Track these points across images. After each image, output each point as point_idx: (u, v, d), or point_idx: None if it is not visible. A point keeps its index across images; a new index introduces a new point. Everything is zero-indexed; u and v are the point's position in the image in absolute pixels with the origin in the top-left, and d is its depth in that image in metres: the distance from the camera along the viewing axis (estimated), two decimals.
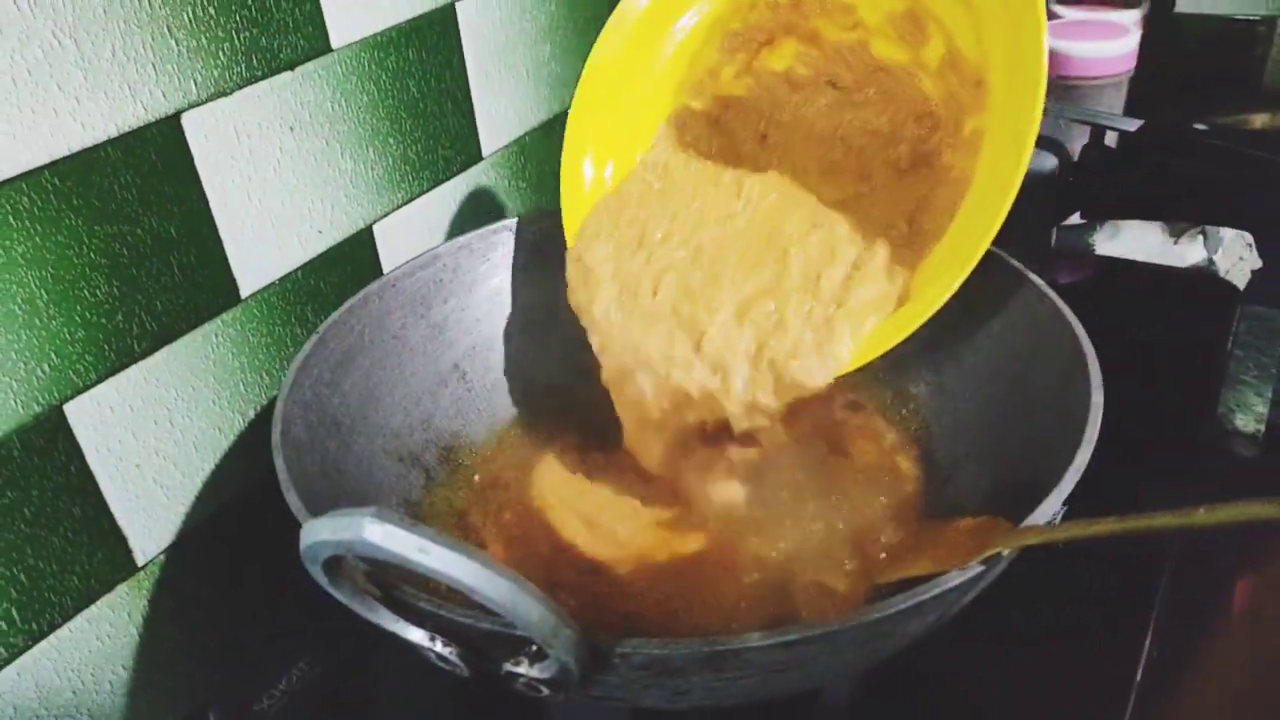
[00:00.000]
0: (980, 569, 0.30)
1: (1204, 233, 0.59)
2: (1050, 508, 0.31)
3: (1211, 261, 0.60)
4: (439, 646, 0.29)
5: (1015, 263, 0.44)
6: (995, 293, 0.45)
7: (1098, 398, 0.35)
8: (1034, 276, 0.43)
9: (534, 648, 0.27)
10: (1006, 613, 0.36)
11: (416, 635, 0.29)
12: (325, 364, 0.42)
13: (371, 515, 0.23)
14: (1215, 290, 0.60)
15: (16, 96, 0.38)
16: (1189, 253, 0.61)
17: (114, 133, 0.42)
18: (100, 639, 0.46)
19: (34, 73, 0.39)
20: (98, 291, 0.43)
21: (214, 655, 0.51)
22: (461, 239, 0.52)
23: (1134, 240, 0.66)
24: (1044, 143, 0.59)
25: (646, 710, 0.33)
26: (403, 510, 0.43)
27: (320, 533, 0.25)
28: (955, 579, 0.29)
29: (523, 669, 0.27)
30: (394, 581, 0.29)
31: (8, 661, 0.42)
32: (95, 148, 0.42)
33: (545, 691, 0.28)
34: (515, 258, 0.52)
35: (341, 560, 0.26)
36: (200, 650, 0.51)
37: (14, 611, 0.42)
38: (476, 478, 0.48)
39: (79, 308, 0.43)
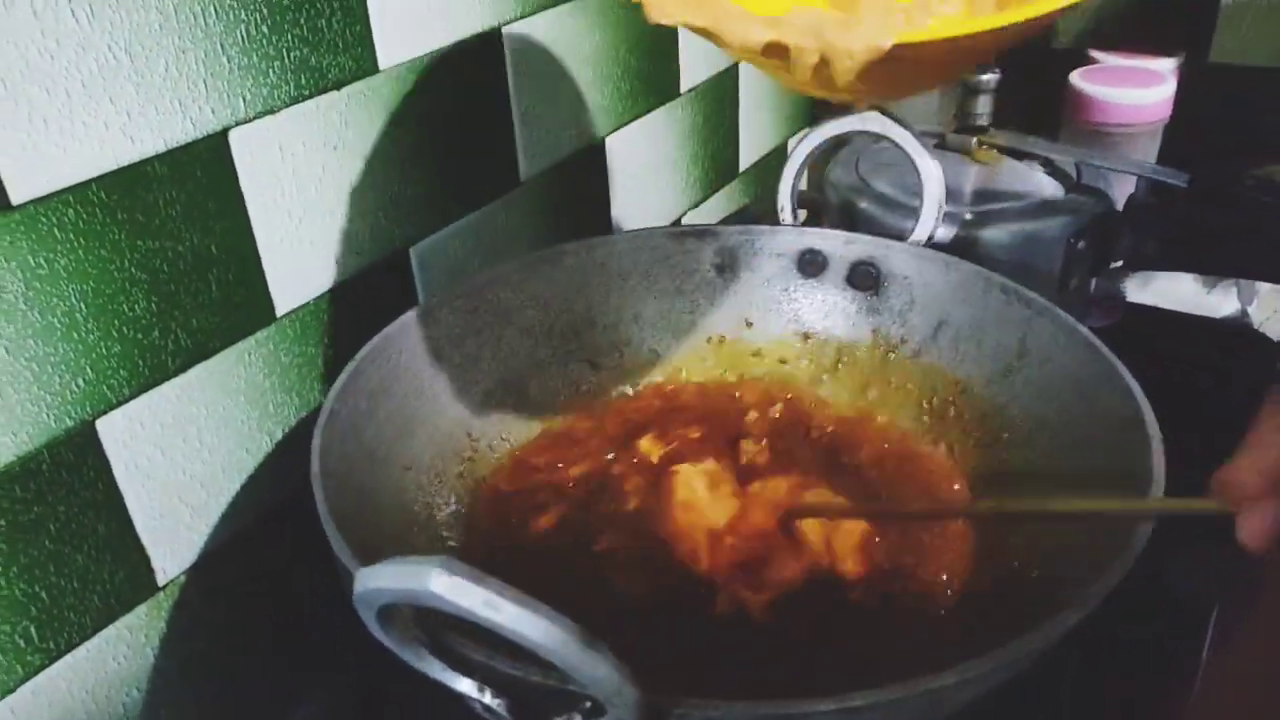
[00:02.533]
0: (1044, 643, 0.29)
1: (1238, 283, 0.59)
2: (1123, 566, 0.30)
3: (1245, 313, 0.60)
4: (487, 698, 0.28)
5: (1066, 316, 0.43)
6: (1046, 348, 0.44)
7: (1159, 463, 0.35)
8: (1086, 331, 0.43)
9: (588, 704, 0.26)
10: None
11: (464, 686, 0.28)
12: (361, 393, 0.42)
13: (439, 566, 0.23)
14: (1250, 342, 0.59)
15: (70, 109, 0.38)
16: (1222, 303, 0.61)
17: (162, 148, 0.42)
18: (117, 660, 0.45)
19: (88, 85, 0.38)
20: (136, 307, 0.42)
21: (230, 681, 0.50)
22: (500, 269, 0.51)
23: (1166, 288, 0.65)
24: (1089, 191, 0.59)
25: None
26: (443, 547, 0.42)
27: (380, 580, 0.24)
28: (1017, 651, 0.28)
29: None
30: (443, 629, 0.28)
31: (24, 680, 0.41)
32: (143, 162, 0.41)
33: None
34: (552, 287, 0.52)
35: (395, 607, 0.25)
36: (216, 675, 0.50)
37: (32, 629, 0.41)
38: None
39: (117, 322, 0.42)
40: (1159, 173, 0.60)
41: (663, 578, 0.42)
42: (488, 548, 0.45)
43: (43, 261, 0.39)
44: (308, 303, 0.50)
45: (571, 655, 0.23)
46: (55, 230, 0.39)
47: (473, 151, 0.58)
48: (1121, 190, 0.64)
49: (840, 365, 0.53)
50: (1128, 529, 0.32)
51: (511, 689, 0.28)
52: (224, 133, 0.44)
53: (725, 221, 0.84)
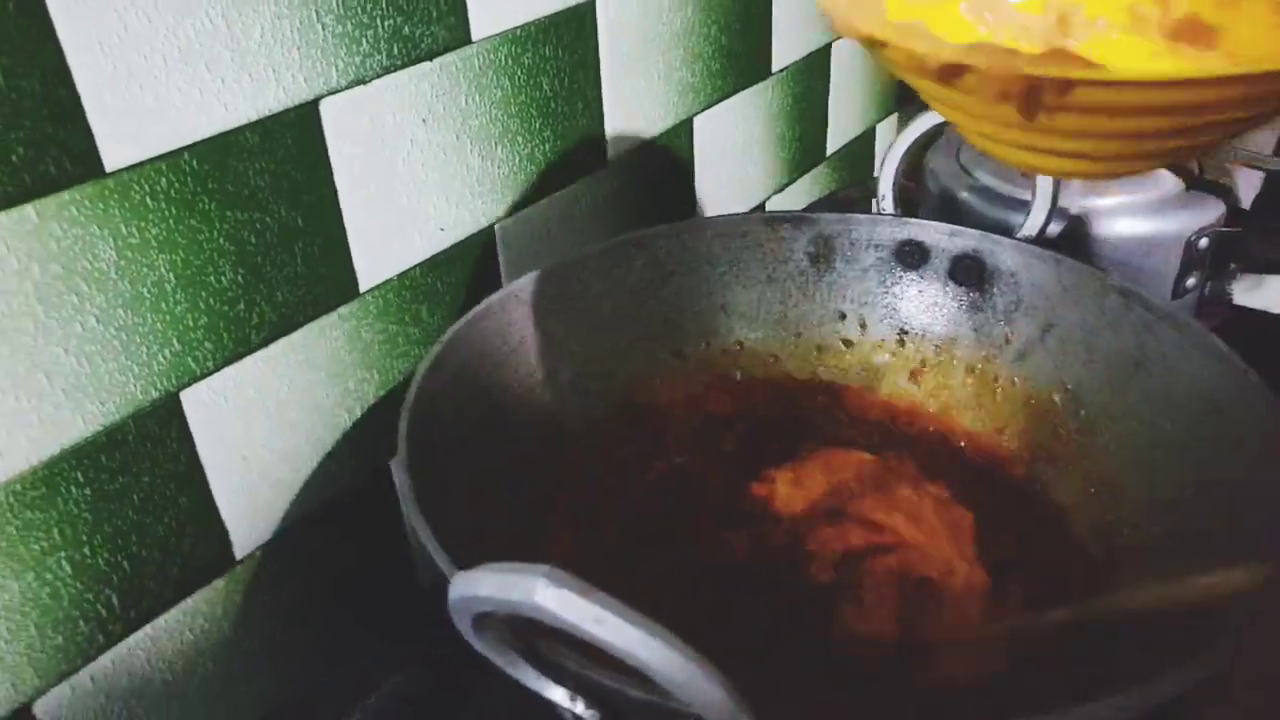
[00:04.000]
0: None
1: None
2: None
3: None
4: (580, 709, 0.27)
5: (1196, 324, 0.40)
6: (1169, 358, 0.41)
7: None
8: (1219, 341, 0.40)
9: None
10: None
11: (557, 694, 0.27)
12: (447, 376, 0.40)
13: (545, 577, 0.21)
14: None
15: (166, 75, 0.37)
16: None
17: (254, 116, 0.41)
18: (194, 632, 0.45)
19: (185, 51, 0.38)
20: (223, 278, 0.42)
21: (305, 657, 0.50)
22: (588, 252, 0.50)
23: (1277, 292, 0.61)
24: (1212, 187, 0.55)
25: None
26: (532, 539, 0.41)
27: (480, 588, 0.22)
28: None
29: None
30: (538, 635, 0.26)
31: (105, 649, 0.41)
32: (235, 130, 0.40)
33: None
34: (640, 272, 0.50)
35: (491, 614, 0.24)
36: (291, 650, 0.49)
37: (115, 599, 0.41)
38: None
39: (204, 294, 0.41)
40: None
41: (764, 590, 0.40)
42: (573, 536, 0.43)
43: (135, 230, 0.38)
44: (391, 278, 0.49)
45: (683, 678, 0.21)
46: (148, 199, 0.38)
47: (561, 129, 0.56)
48: (1247, 188, 0.60)
49: (938, 364, 0.50)
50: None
51: (608, 702, 0.26)
52: (315, 102, 0.43)
53: (813, 208, 0.81)
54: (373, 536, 0.52)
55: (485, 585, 0.22)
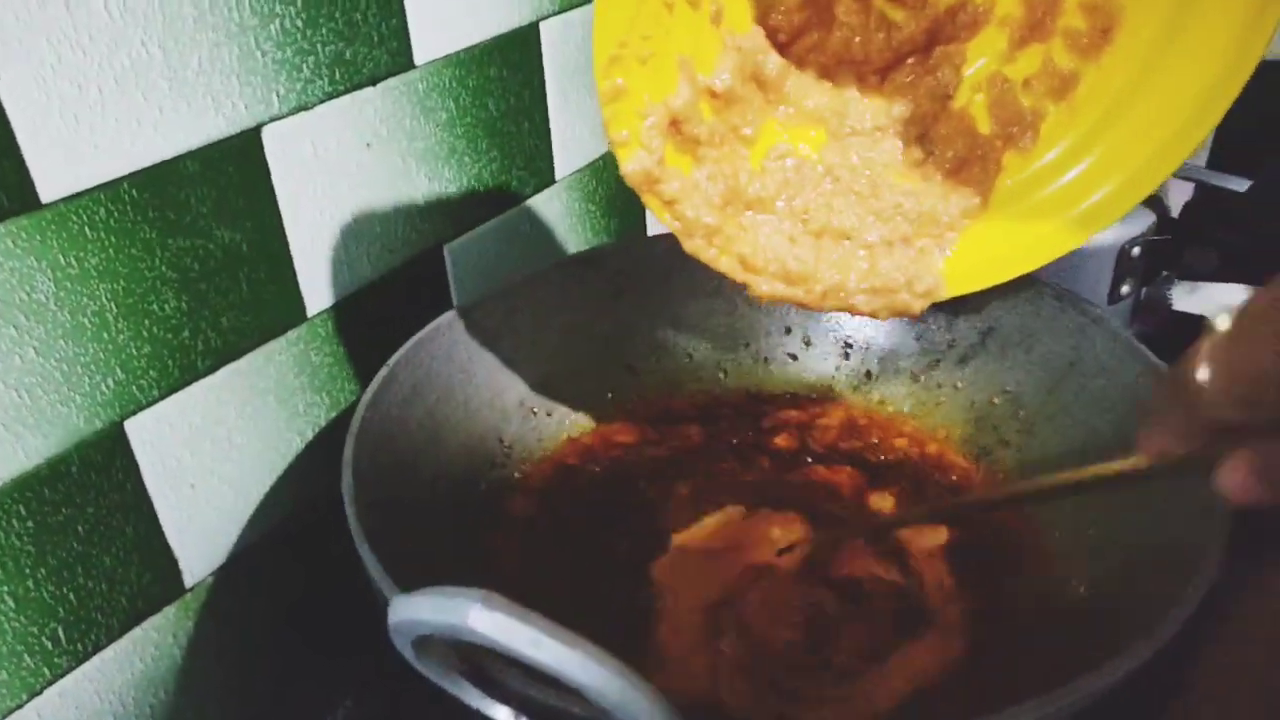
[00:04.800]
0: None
1: None
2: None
3: None
4: None
5: (1122, 329, 0.42)
6: (1100, 359, 0.42)
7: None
8: (1143, 347, 0.41)
9: None
10: None
11: (501, 714, 0.27)
12: (394, 400, 0.41)
13: (480, 602, 0.21)
14: None
15: (102, 105, 0.37)
16: None
17: (195, 145, 0.41)
18: (144, 661, 0.45)
19: (120, 82, 0.37)
20: (166, 306, 0.42)
21: (256, 684, 0.50)
22: (537, 271, 0.50)
23: (1215, 298, 0.63)
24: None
25: None
26: (474, 561, 0.41)
27: (417, 611, 0.23)
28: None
29: None
30: (480, 654, 0.27)
31: (51, 682, 0.41)
32: (175, 159, 0.40)
33: None
34: (590, 289, 0.51)
35: (433, 636, 0.24)
36: (244, 677, 0.49)
37: (60, 631, 0.41)
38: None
39: (147, 322, 0.41)
40: (1215, 177, 0.58)
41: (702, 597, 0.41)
42: (521, 557, 0.43)
43: (73, 260, 0.38)
44: (339, 301, 0.49)
45: (618, 697, 0.22)
46: (86, 229, 0.38)
47: (508, 148, 0.57)
48: (1177, 197, 0.61)
49: (882, 375, 0.52)
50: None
51: (549, 719, 0.27)
52: (257, 129, 0.43)
53: None
54: (325, 560, 0.52)
55: (422, 609, 0.23)
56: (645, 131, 0.38)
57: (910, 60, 0.43)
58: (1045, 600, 0.39)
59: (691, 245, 0.40)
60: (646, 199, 0.39)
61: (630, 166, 0.38)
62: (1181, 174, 0.59)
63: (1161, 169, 0.40)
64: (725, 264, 0.41)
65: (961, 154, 0.43)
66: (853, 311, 0.42)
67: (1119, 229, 0.55)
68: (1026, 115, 0.42)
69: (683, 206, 0.39)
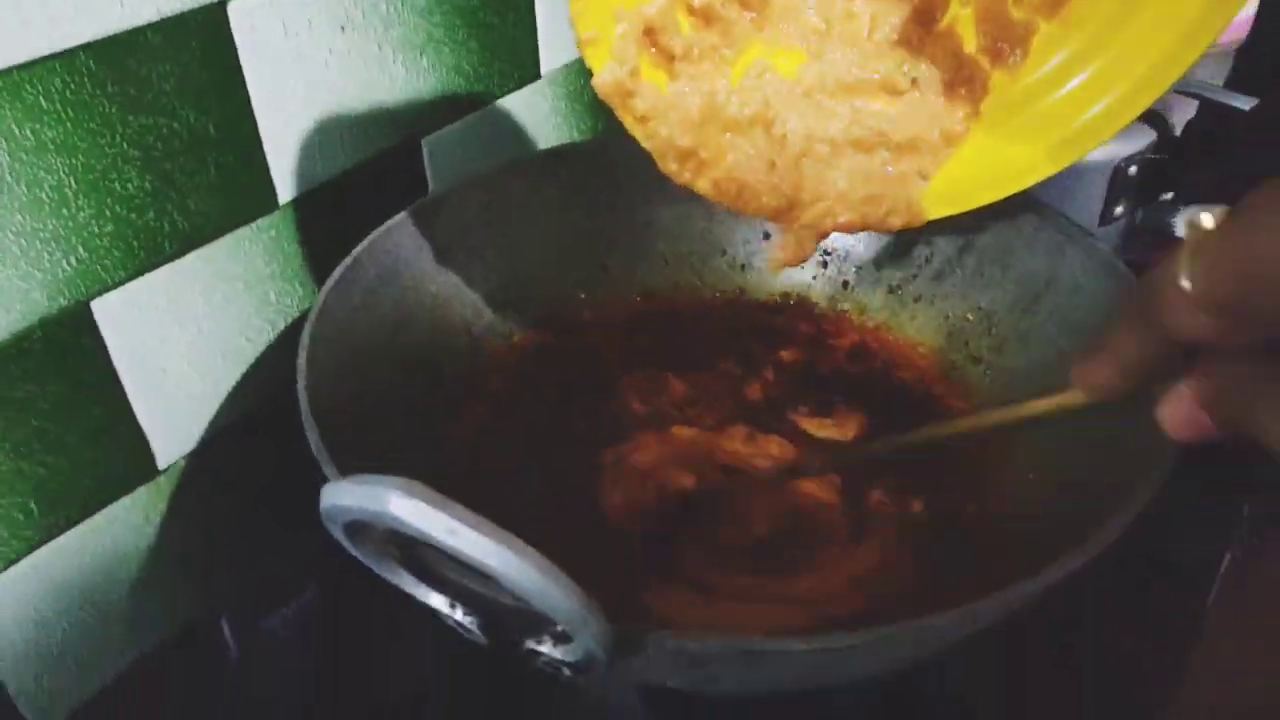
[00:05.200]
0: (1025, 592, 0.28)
1: None
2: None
3: None
4: (459, 615, 0.27)
5: (1102, 245, 0.41)
6: (1076, 277, 0.42)
7: None
8: (1120, 264, 0.40)
9: (559, 629, 0.26)
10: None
11: (436, 601, 0.28)
12: (358, 287, 0.40)
13: (398, 489, 0.22)
14: None
15: None
16: None
17: (154, 17, 0.39)
18: (115, 539, 0.45)
19: None
20: (129, 185, 0.41)
21: (227, 563, 0.51)
22: (509, 162, 0.49)
23: None
24: (1143, 115, 0.55)
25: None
26: (432, 451, 0.42)
27: (343, 498, 0.23)
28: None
29: (545, 648, 0.26)
30: (415, 543, 0.27)
31: (24, 554, 0.42)
32: (135, 30, 0.39)
33: (567, 673, 0.26)
34: (563, 184, 0.49)
35: (368, 524, 0.25)
36: (214, 557, 0.50)
37: (31, 504, 0.42)
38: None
39: (109, 200, 0.40)
40: (1221, 94, 0.56)
41: (654, 500, 0.41)
42: (477, 452, 0.44)
43: (29, 133, 0.37)
44: (313, 190, 0.48)
45: (532, 585, 0.22)
46: (41, 99, 0.37)
47: (490, 39, 0.55)
48: (1180, 115, 0.59)
49: (859, 284, 0.51)
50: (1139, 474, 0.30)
51: (483, 608, 0.27)
52: (222, 3, 0.41)
53: None
54: (299, 443, 0.52)
55: (346, 495, 0.23)
56: (618, 40, 0.36)
57: None
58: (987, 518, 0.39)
59: (665, 167, 0.39)
60: (620, 113, 0.38)
61: (602, 77, 0.36)
62: (1187, 90, 0.57)
63: (1161, 82, 0.38)
64: (701, 186, 0.40)
65: (947, 76, 0.41)
66: (830, 231, 0.41)
67: (1114, 146, 0.53)
68: (1017, 29, 0.40)
69: (656, 124, 0.38)
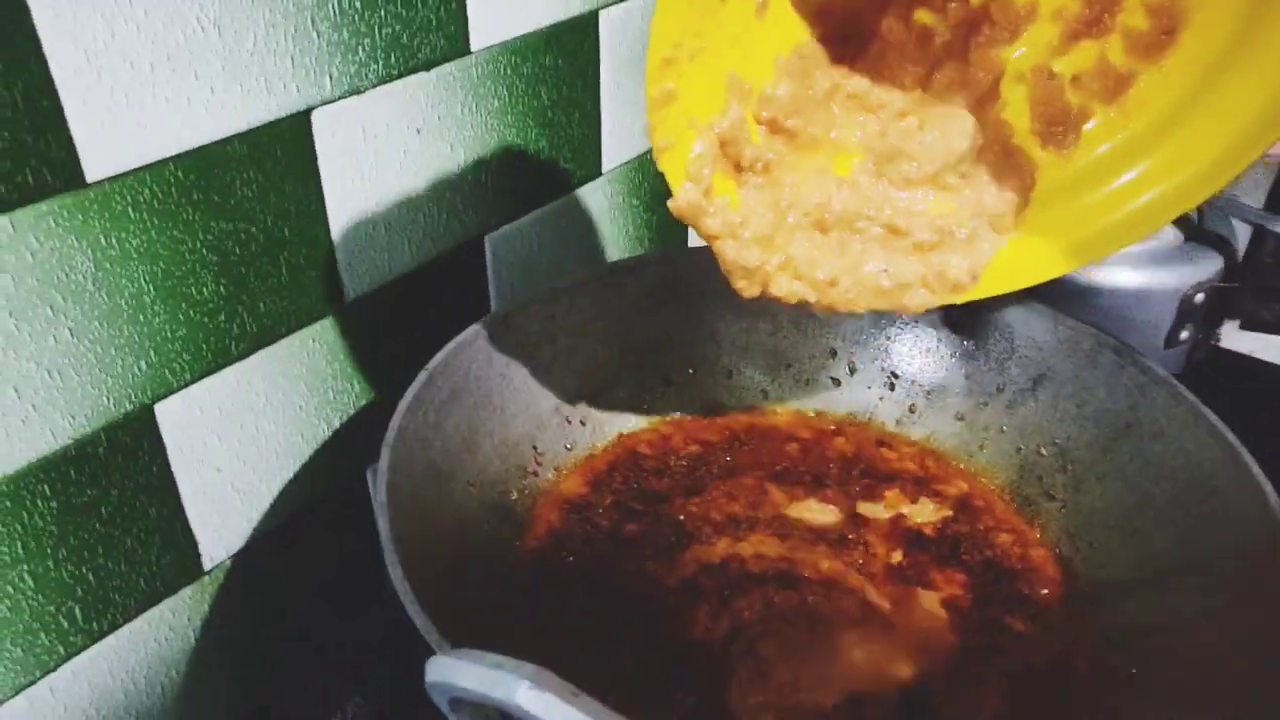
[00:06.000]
0: None
1: None
2: None
3: None
4: None
5: (1188, 393, 0.40)
6: (1159, 421, 0.41)
7: None
8: (1210, 414, 0.39)
9: None
10: None
11: None
12: (431, 405, 0.40)
13: (529, 680, 0.20)
14: None
15: (153, 83, 0.36)
16: None
17: (243, 127, 0.39)
18: (159, 641, 0.44)
19: (173, 59, 0.36)
20: (204, 289, 0.41)
21: (269, 669, 0.49)
22: (578, 277, 0.49)
23: (1266, 337, 0.61)
24: (1211, 239, 0.55)
25: None
26: (503, 569, 0.40)
27: (460, 678, 0.22)
28: None
29: None
30: None
31: (65, 660, 0.41)
32: (223, 141, 0.39)
33: None
34: (630, 298, 0.49)
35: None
36: (255, 662, 0.49)
37: (77, 610, 0.40)
38: None
39: (184, 305, 0.40)
40: (1270, 220, 0.56)
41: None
42: (546, 570, 0.43)
43: (114, 242, 0.37)
44: (378, 288, 0.48)
45: None
46: (129, 210, 0.37)
47: (558, 138, 0.55)
48: (1241, 235, 0.59)
49: (928, 409, 0.50)
50: None
51: None
52: (307, 112, 0.42)
53: None
54: (347, 545, 0.51)
55: (465, 676, 0.22)
56: (694, 161, 0.37)
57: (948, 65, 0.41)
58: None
59: (734, 284, 0.39)
60: (695, 228, 0.38)
61: (678, 199, 0.37)
62: (1240, 216, 0.57)
63: (1216, 181, 0.37)
64: (775, 290, 0.40)
65: (996, 166, 0.41)
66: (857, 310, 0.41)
67: (1183, 273, 0.53)
68: (1071, 113, 0.40)
69: (724, 245, 0.38)
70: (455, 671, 0.22)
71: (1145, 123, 0.39)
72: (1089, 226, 0.40)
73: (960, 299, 0.41)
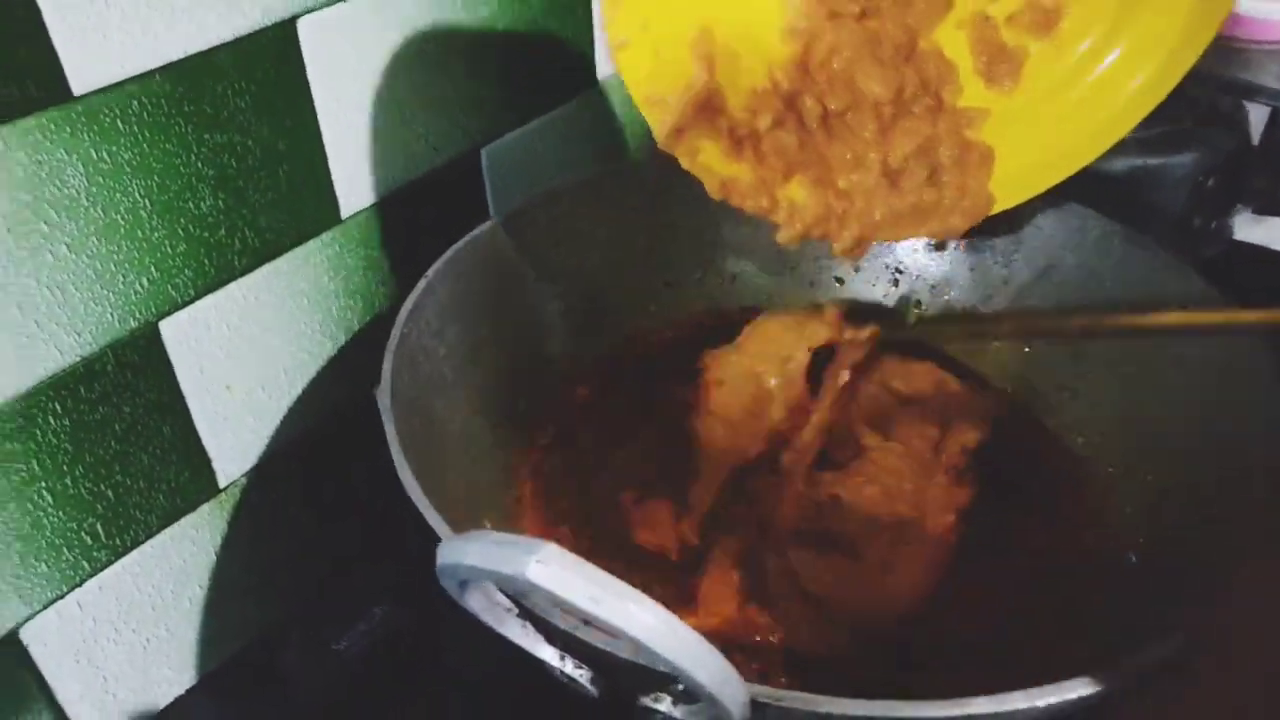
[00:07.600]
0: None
1: None
2: None
3: None
4: (569, 667, 0.27)
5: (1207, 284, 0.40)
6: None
7: None
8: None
9: (680, 688, 0.25)
10: None
11: (546, 653, 0.27)
12: (431, 311, 0.39)
13: (539, 555, 0.21)
14: None
15: None
16: None
17: (229, 36, 0.39)
18: (182, 556, 0.45)
19: None
20: (203, 204, 0.40)
21: (292, 580, 0.50)
22: (577, 179, 0.48)
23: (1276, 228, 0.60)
24: (1223, 121, 0.53)
25: None
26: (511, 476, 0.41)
27: (470, 557, 0.22)
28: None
29: (663, 707, 0.25)
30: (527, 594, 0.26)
31: (91, 575, 0.41)
32: (210, 51, 0.38)
33: None
34: (633, 201, 0.49)
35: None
36: (277, 574, 0.50)
37: (99, 527, 0.41)
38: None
39: (183, 220, 0.40)
40: None
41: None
42: (547, 470, 0.43)
43: (105, 155, 0.36)
44: (375, 203, 0.48)
45: (679, 654, 0.21)
46: (118, 122, 0.36)
47: (550, 48, 0.54)
48: (1256, 119, 0.58)
49: (932, 304, 0.50)
50: None
51: (596, 662, 0.27)
52: (292, 20, 0.41)
53: None
54: (359, 459, 0.51)
55: (475, 555, 0.22)
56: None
57: None
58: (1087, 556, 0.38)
59: (720, 191, 0.40)
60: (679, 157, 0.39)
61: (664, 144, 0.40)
62: (1268, 100, 0.55)
63: (1190, 50, 0.39)
64: (751, 205, 0.41)
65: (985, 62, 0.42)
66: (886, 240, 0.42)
67: (1193, 157, 0.52)
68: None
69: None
70: (464, 551, 0.22)
71: (1108, 17, 0.41)
72: (1088, 119, 0.41)
73: (989, 213, 0.42)
